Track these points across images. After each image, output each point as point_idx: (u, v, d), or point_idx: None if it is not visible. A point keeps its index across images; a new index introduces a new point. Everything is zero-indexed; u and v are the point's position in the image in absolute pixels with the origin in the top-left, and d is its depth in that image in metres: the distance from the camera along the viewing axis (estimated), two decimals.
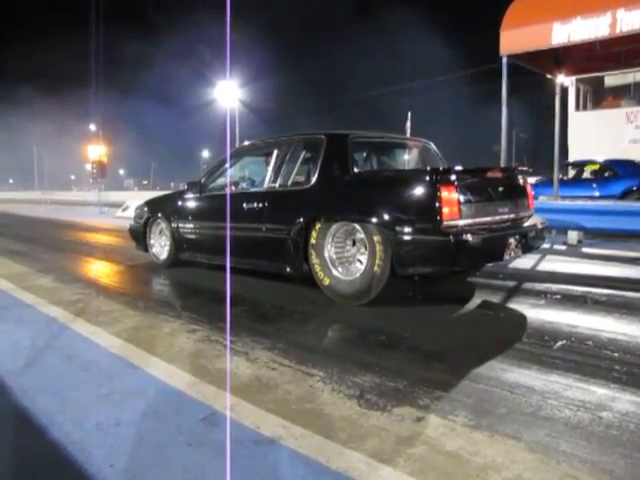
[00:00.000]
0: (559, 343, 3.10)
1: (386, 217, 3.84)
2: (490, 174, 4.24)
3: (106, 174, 21.38)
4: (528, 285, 4.92)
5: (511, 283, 5.02)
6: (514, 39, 6.97)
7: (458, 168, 3.89)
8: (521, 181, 4.57)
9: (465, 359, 2.88)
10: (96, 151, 20.36)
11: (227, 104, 27.84)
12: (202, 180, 5.66)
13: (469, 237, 3.63)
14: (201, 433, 2.02)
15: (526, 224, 4.39)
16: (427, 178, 3.76)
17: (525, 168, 5.13)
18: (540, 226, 4.51)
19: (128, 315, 3.89)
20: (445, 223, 3.62)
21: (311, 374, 2.65)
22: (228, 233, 5.04)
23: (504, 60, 7.25)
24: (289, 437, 1.98)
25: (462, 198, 3.71)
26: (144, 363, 2.80)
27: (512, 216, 4.24)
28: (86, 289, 4.91)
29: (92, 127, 37.50)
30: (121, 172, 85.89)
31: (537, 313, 3.83)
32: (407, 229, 3.73)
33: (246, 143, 5.82)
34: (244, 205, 4.90)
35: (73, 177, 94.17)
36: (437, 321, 3.78)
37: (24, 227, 13.52)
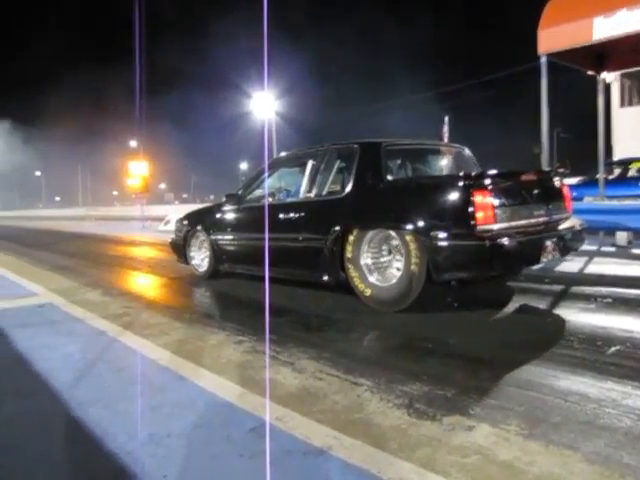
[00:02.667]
0: (613, 349, 3.00)
1: (421, 223, 3.84)
2: (524, 177, 4.21)
3: (148, 189, 21.85)
4: (576, 289, 4.79)
5: (558, 287, 4.90)
6: (552, 37, 6.81)
7: (491, 172, 3.87)
8: (557, 183, 4.52)
9: (514, 365, 2.81)
10: (137, 167, 20.86)
11: (264, 116, 28.16)
12: (240, 192, 5.78)
13: (504, 241, 3.60)
14: (252, 444, 2.02)
15: (563, 226, 4.33)
16: (460, 183, 3.77)
17: (561, 170, 5.00)
18: (578, 228, 4.45)
19: (174, 327, 3.95)
20: (480, 228, 3.62)
21: (358, 383, 2.64)
22: (266, 244, 5.07)
23: (543, 59, 7.10)
24: (339, 447, 1.97)
25: (496, 202, 3.70)
26: (192, 375, 2.83)
27: (548, 219, 4.17)
28: (132, 302, 5.01)
29: (133, 143, 38.55)
30: (162, 186, 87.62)
31: (587, 317, 3.72)
32: (442, 235, 3.72)
33: (282, 154, 5.91)
34: (281, 215, 4.98)
35: (116, 193, 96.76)
36: (482, 327, 3.72)
37: (71, 243, 13.92)
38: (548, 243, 3.93)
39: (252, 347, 3.35)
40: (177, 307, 4.83)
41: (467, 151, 5.31)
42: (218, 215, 6.02)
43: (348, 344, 3.43)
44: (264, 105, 28.10)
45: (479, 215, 3.61)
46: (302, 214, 4.82)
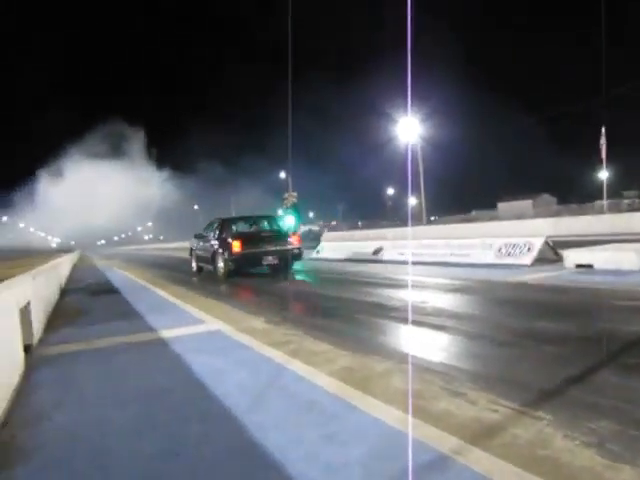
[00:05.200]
0: None
1: (225, 250, 11.53)
2: (257, 233, 12.49)
3: (300, 219, 22.72)
4: None
5: None
6: None
7: (241, 232, 12.68)
8: (284, 231, 12.51)
9: None
10: (289, 198, 21.77)
11: (408, 141, 28.17)
12: (201, 233, 14.05)
13: (242, 255, 11.30)
14: (431, 477, 1.98)
15: (281, 249, 11.67)
16: (229, 239, 11.53)
17: (293, 234, 12.38)
18: (292, 250, 11.78)
19: (340, 355, 4.01)
20: (235, 251, 11.24)
21: (538, 417, 2.49)
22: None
23: None
24: None
25: (242, 243, 11.31)
26: (362, 403, 2.86)
27: (273, 248, 11.55)
28: (293, 330, 5.16)
29: (282, 175, 40.54)
30: (310, 215, 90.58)
31: None
32: (227, 253, 11.39)
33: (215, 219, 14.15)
34: (206, 243, 13.12)
35: None
36: None
37: None
38: (267, 257, 11.43)
39: (420, 377, 3.31)
40: (338, 335, 4.87)
41: (274, 217, 14.02)
42: (197, 240, 14.25)
43: (519, 375, 3.25)
44: (408, 129, 28.10)
45: (235, 247, 11.22)
46: (210, 243, 12.66)
